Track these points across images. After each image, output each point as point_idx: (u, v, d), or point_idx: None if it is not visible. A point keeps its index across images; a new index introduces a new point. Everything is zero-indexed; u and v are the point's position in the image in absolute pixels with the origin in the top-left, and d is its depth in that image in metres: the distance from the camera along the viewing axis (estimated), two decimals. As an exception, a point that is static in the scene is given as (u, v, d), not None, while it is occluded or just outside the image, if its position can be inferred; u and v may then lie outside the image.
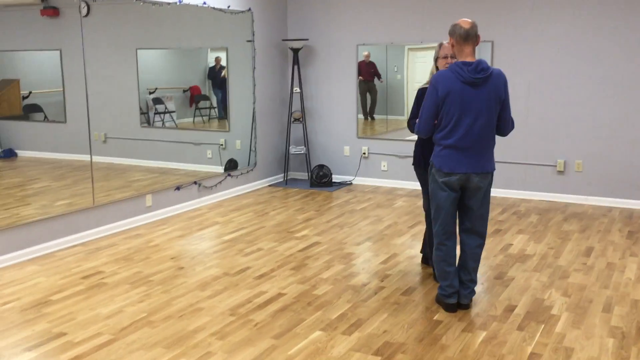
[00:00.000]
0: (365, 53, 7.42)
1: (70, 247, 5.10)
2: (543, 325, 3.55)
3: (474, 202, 3.66)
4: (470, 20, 3.57)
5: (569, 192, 6.58)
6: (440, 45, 4.14)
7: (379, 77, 7.46)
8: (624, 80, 6.20)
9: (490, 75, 3.50)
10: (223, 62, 7.04)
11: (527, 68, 6.58)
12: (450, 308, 3.75)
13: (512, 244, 5.11)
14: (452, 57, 3.93)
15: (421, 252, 4.70)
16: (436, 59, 4.19)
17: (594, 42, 6.26)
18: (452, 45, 3.56)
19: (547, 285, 4.17)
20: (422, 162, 4.22)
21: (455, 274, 3.75)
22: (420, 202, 6.47)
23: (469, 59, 3.52)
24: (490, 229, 5.57)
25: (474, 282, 3.80)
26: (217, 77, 7.08)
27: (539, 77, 6.55)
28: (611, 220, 5.82)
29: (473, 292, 3.81)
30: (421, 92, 4.16)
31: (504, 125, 3.68)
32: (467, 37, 3.50)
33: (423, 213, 4.89)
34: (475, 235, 3.74)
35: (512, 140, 6.72)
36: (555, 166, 6.60)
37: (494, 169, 3.67)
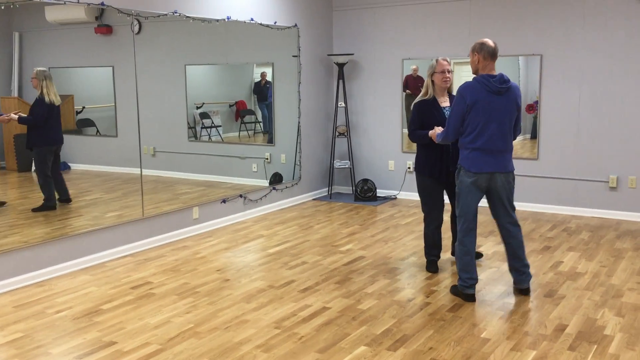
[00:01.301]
0: (414, 67, 7.41)
1: (120, 257, 5.22)
2: (595, 346, 3.44)
3: (504, 198, 4.09)
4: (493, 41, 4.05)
5: (621, 208, 6.38)
6: (436, 61, 4.55)
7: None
8: (680, 93, 6.00)
9: (510, 86, 4.01)
10: (268, 77, 7.13)
11: (578, 82, 6.44)
12: (470, 298, 4.12)
13: (562, 262, 4.98)
14: (449, 71, 4.52)
15: (427, 256, 4.84)
16: (432, 74, 4.57)
17: (648, 54, 6.09)
18: (478, 61, 3.99)
19: (600, 305, 4.04)
20: (426, 170, 4.58)
21: (475, 266, 4.15)
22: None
23: (492, 73, 4.01)
24: (539, 245, 5.44)
25: (528, 265, 4.22)
26: (262, 92, 7.17)
27: (591, 91, 6.40)
28: (667, 239, 5.61)
29: (530, 275, 4.24)
30: (419, 106, 4.61)
31: (517, 130, 4.18)
32: (494, 54, 4.00)
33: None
34: (515, 225, 4.16)
35: (563, 155, 6.57)
36: (608, 182, 6.41)
37: (514, 169, 4.13)
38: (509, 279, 4.56)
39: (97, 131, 5.62)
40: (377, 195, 7.54)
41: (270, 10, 6.78)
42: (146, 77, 5.57)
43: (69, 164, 5.35)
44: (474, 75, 4.08)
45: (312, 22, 7.43)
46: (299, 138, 7.39)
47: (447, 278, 4.61)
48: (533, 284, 4.45)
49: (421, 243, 5.55)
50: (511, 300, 4.16)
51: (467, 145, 4.02)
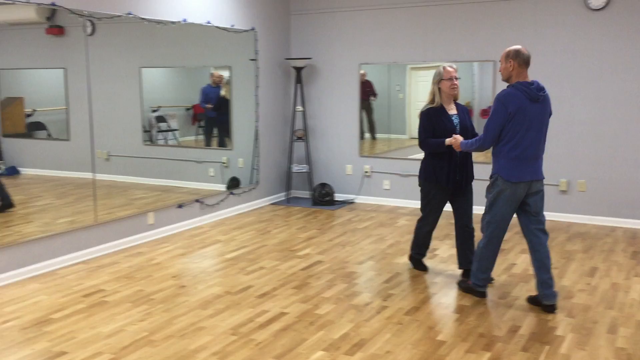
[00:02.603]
0: (362, 72, 7.46)
1: (72, 265, 5.08)
2: (548, 347, 3.52)
3: (538, 205, 4.06)
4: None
5: (572, 211, 6.56)
6: (443, 68, 4.49)
7: (375, 95, 7.53)
8: (628, 99, 6.21)
9: (546, 93, 4.01)
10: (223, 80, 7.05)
11: (529, 87, 6.59)
12: (483, 295, 4.25)
13: (515, 264, 5.08)
14: (457, 78, 4.49)
15: (414, 253, 4.90)
16: (439, 81, 4.51)
17: (598, 61, 6.29)
18: (512, 68, 3.94)
19: (552, 306, 4.13)
20: (433, 178, 4.55)
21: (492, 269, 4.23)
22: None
23: (527, 80, 3.97)
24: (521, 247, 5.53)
25: (553, 279, 4.08)
26: (209, 96, 7.05)
27: (541, 97, 6.55)
28: (615, 240, 5.79)
29: (556, 293, 4.08)
30: (428, 114, 4.52)
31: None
32: (528, 62, 3.98)
33: (443, 228, 5.04)
34: (544, 233, 4.10)
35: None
36: (559, 185, 6.59)
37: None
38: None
39: (49, 135, 5.47)
40: (335, 199, 7.56)
41: (227, 13, 6.73)
42: (100, 80, 5.45)
43: (19, 168, 5.18)
44: (506, 82, 4.03)
45: (270, 25, 7.41)
46: (257, 142, 7.35)
47: (404, 281, 4.64)
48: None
49: (379, 247, 5.59)
50: (467, 302, 4.22)
51: (505, 153, 3.95)
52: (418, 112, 4.64)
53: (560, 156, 6.54)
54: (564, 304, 4.16)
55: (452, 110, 4.57)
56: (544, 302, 4.04)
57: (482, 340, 3.60)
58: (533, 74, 6.50)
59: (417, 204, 7.11)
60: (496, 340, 3.60)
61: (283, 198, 7.82)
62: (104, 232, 5.44)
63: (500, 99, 3.93)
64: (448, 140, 4.39)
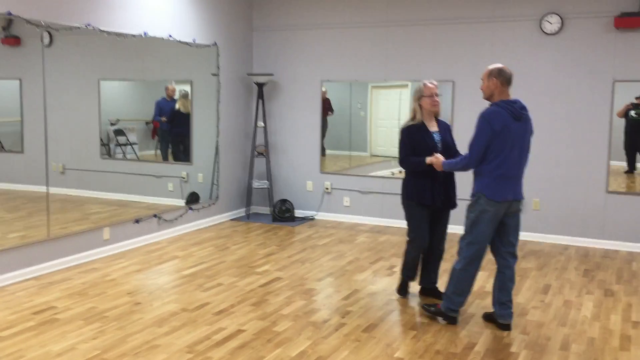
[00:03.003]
0: (322, 90, 7.52)
1: (23, 281, 4.92)
2: (502, 363, 3.56)
3: (514, 226, 4.05)
4: None
5: (526, 230, 6.67)
6: (424, 84, 4.40)
7: (331, 111, 7.60)
8: (578, 121, 6.40)
9: (528, 112, 4.02)
10: (178, 94, 6.96)
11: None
12: (454, 321, 4.12)
13: (472, 281, 5.14)
14: (437, 95, 4.41)
15: (404, 277, 4.69)
16: (419, 98, 4.41)
17: (551, 84, 6.48)
18: (495, 86, 3.94)
19: (507, 323, 4.20)
20: (415, 197, 4.40)
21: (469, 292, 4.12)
22: (382, 238, 6.51)
23: (509, 98, 3.98)
24: (449, 266, 5.59)
25: (512, 302, 4.09)
26: (164, 109, 6.97)
27: (498, 117, 6.70)
28: (568, 258, 5.93)
29: (512, 313, 4.10)
30: (408, 131, 4.43)
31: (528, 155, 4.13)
32: (510, 80, 3.99)
33: (402, 245, 4.80)
34: (514, 256, 4.09)
35: (470, 178, 6.82)
36: (514, 204, 6.72)
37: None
38: (422, 298, 4.66)
39: (2, 146, 5.32)
40: (295, 215, 7.55)
41: (189, 27, 6.70)
42: (57, 91, 5.35)
43: (-31, 180, 5.02)
44: (487, 101, 4.02)
45: (232, 41, 7.40)
46: (217, 157, 7.30)
47: (362, 298, 4.65)
48: (442, 305, 4.56)
49: (338, 263, 5.59)
50: (424, 319, 4.25)
51: (489, 172, 3.90)
52: (398, 130, 4.56)
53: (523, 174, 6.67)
54: (518, 321, 4.23)
55: (434, 127, 4.47)
56: (499, 320, 4.07)
57: (439, 357, 3.62)
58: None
59: (376, 221, 7.19)
60: (452, 357, 3.63)
61: (243, 214, 7.77)
62: (57, 247, 5.30)
63: (486, 117, 3.89)
64: (429, 159, 4.29)
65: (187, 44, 6.65)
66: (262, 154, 7.63)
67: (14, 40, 5.10)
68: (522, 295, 4.80)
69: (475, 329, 4.07)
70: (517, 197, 4.00)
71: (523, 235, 6.62)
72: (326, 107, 7.60)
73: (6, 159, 5.41)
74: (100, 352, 3.60)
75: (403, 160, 4.46)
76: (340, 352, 3.66)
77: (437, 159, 4.25)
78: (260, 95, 7.54)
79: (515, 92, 6.55)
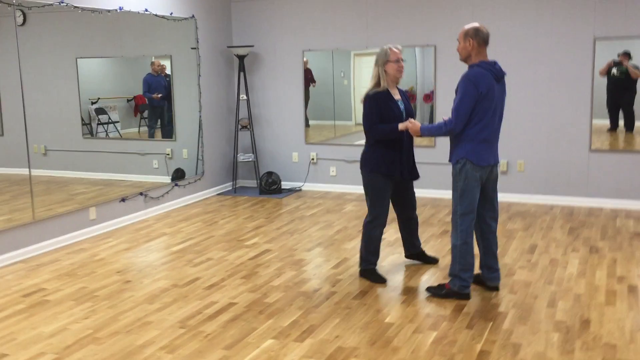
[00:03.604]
0: (304, 59, 7.45)
1: (10, 264, 4.90)
2: (491, 323, 3.62)
3: (494, 190, 3.99)
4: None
5: (512, 191, 6.75)
6: (389, 49, 4.17)
7: (314, 82, 7.53)
8: (560, 80, 6.41)
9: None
10: (167, 70, 6.92)
11: (469, 71, 6.72)
12: (468, 296, 3.97)
13: (459, 244, 5.19)
14: (404, 60, 4.19)
15: (367, 265, 4.41)
16: (385, 63, 4.16)
17: (533, 44, 6.46)
18: (472, 47, 3.78)
19: (494, 284, 4.26)
20: (383, 168, 4.19)
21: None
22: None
23: (486, 59, 3.82)
24: (438, 230, 5.66)
25: (498, 263, 4.12)
26: (154, 85, 6.91)
27: (481, 80, 6.70)
28: (553, 218, 6.00)
29: (499, 275, 4.14)
30: (375, 98, 4.15)
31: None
32: (487, 40, 3.82)
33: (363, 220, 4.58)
34: (495, 221, 4.07)
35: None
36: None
37: None
38: (410, 263, 4.71)
39: (-20, 130, 5.24)
40: (282, 187, 7.54)
41: (165, 0, 6.57)
42: (33, 72, 5.25)
43: (-51, 165, 4.95)
44: (464, 62, 3.87)
45: (210, 13, 7.29)
46: (201, 132, 7.24)
47: (352, 266, 4.68)
48: (433, 267, 4.62)
49: (327, 233, 5.61)
50: (413, 284, 4.29)
51: (473, 136, 3.76)
52: (361, 96, 4.30)
53: (500, 138, 6.69)
54: (505, 281, 4.29)
55: (397, 95, 4.26)
56: (488, 283, 4.12)
57: (429, 320, 3.68)
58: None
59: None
60: (442, 320, 3.68)
61: (229, 188, 7.75)
62: (44, 229, 5.27)
63: (471, 78, 3.72)
64: (403, 125, 4.08)
65: (164, 17, 6.53)
66: (245, 127, 7.58)
67: (-14, 21, 4.98)
68: (508, 255, 4.86)
69: (463, 291, 4.12)
70: (497, 161, 3.96)
71: (508, 197, 6.72)
72: (308, 77, 7.54)
73: (-14, 143, 5.33)
74: (92, 331, 3.62)
75: (372, 129, 4.17)
76: (332, 320, 3.70)
77: (413, 124, 4.03)
78: (242, 68, 7.46)
79: (496, 53, 6.56)
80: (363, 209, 6.48)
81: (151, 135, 7.02)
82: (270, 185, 7.43)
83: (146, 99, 6.84)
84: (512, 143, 6.68)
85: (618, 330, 3.48)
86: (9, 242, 4.96)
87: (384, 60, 4.17)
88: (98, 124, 6.28)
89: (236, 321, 3.72)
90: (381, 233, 4.37)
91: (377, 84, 4.20)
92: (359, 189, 7.29)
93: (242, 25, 7.66)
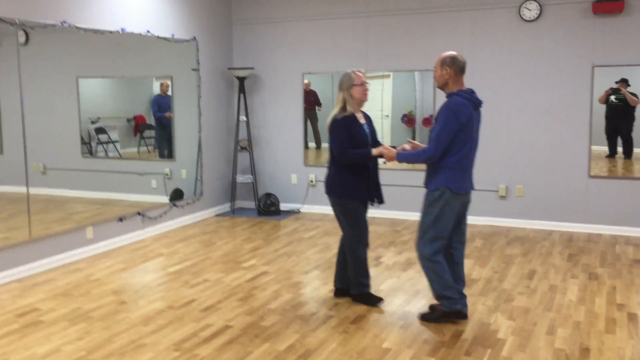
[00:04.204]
0: (306, 82, 7.48)
1: (5, 283, 4.86)
2: (490, 350, 3.58)
3: (464, 215, 4.02)
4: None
5: (511, 216, 6.74)
6: (353, 73, 4.17)
7: (319, 105, 7.55)
8: (559, 107, 6.44)
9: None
10: (169, 91, 6.95)
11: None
12: (461, 315, 3.98)
13: (458, 269, 5.16)
14: (367, 83, 4.19)
15: (361, 289, 4.33)
16: (350, 87, 4.13)
17: (531, 70, 6.50)
18: (449, 75, 3.83)
19: (493, 309, 4.22)
20: (354, 194, 4.14)
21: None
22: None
23: (463, 88, 3.88)
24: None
25: (464, 287, 4.12)
26: (165, 103, 6.94)
27: (480, 105, 6.73)
28: (552, 244, 5.98)
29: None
30: (344, 122, 4.10)
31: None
32: (464, 68, 3.89)
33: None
34: (463, 245, 4.09)
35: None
36: (498, 191, 6.76)
37: None
38: (408, 287, 4.68)
39: (-20, 148, 5.23)
40: (281, 209, 7.52)
41: (167, 22, 6.63)
42: (35, 90, 5.26)
43: (-53, 183, 4.94)
44: (441, 90, 3.92)
45: (212, 35, 7.34)
46: (200, 153, 7.25)
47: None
48: (430, 292, 4.57)
49: (324, 256, 5.58)
50: (411, 309, 4.26)
51: (452, 165, 3.79)
52: (327, 122, 4.20)
53: (498, 163, 6.71)
54: (504, 307, 4.25)
55: (362, 120, 4.24)
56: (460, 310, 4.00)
57: (427, 346, 3.64)
58: (471, 84, 6.69)
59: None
60: (441, 346, 3.64)
61: (228, 209, 7.73)
62: (40, 248, 5.23)
63: (452, 108, 3.74)
64: (377, 151, 4.07)
65: (165, 39, 6.58)
66: (245, 148, 7.59)
67: (-11, 40, 5.01)
68: (507, 281, 4.83)
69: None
70: (473, 187, 3.98)
71: (507, 222, 6.70)
72: (312, 99, 7.55)
73: (-15, 161, 5.33)
74: (85, 353, 3.57)
75: (343, 153, 4.09)
76: (329, 345, 3.66)
77: (388, 150, 4.02)
78: (242, 90, 7.49)
79: (495, 80, 6.62)
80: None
81: (162, 155, 7.03)
82: (268, 207, 7.41)
83: (155, 118, 6.87)
84: (511, 168, 6.69)
85: (618, 359, 3.44)
86: (4, 261, 4.92)
87: (349, 85, 4.15)
88: (98, 144, 6.28)
89: (232, 344, 3.67)
90: (366, 253, 4.30)
91: (343, 108, 4.17)
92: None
93: (242, 47, 7.71)
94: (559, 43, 6.37)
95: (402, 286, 4.72)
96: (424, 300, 4.42)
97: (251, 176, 7.61)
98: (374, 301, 4.31)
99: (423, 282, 4.80)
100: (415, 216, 6.72)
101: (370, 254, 5.60)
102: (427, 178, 3.93)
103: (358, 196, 4.18)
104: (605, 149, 6.53)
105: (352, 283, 4.36)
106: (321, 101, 7.60)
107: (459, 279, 4.02)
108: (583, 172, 6.42)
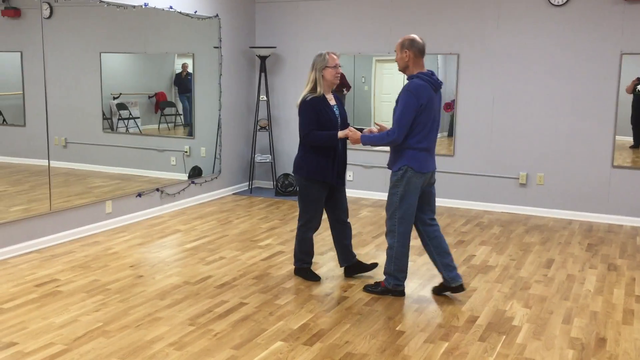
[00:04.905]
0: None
1: (25, 254, 4.93)
2: (504, 337, 3.56)
3: (433, 194, 4.15)
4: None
5: (530, 204, 6.66)
6: (327, 54, 4.19)
7: (348, 88, 7.48)
8: (585, 95, 6.32)
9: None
10: (190, 69, 6.95)
11: (491, 81, 6.67)
12: (403, 293, 4.15)
13: (474, 255, 5.13)
14: (340, 66, 4.24)
15: (301, 264, 4.47)
16: (323, 68, 4.16)
17: (557, 57, 6.38)
18: (408, 58, 3.91)
19: (509, 297, 4.19)
20: (318, 175, 4.19)
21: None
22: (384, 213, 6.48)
23: (423, 70, 3.95)
24: (453, 239, 5.60)
25: (453, 261, 4.17)
26: (183, 84, 6.98)
27: (503, 91, 6.64)
28: (571, 233, 5.91)
29: (459, 274, 4.19)
30: (313, 104, 4.14)
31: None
32: (424, 51, 3.95)
33: (343, 224, 4.48)
34: (436, 222, 4.18)
35: (477, 153, 6.79)
36: (518, 179, 6.68)
37: None
38: (424, 272, 4.66)
39: (4, 120, 5.29)
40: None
41: (190, -1, 6.61)
42: (58, 64, 5.30)
43: (-29, 154, 5.01)
44: (403, 73, 3.99)
45: (234, 13, 7.31)
46: (220, 131, 7.26)
47: (364, 272, 4.64)
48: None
49: (340, 238, 5.57)
50: (426, 293, 4.24)
51: (414, 145, 3.89)
52: (296, 102, 4.29)
53: (519, 150, 6.63)
54: (520, 295, 4.22)
55: (332, 101, 4.27)
56: (452, 285, 4.10)
57: (441, 330, 3.62)
58: (495, 69, 6.62)
59: (379, 195, 7.16)
60: (454, 331, 3.63)
61: (245, 188, 7.75)
62: (60, 220, 5.30)
63: (412, 90, 3.83)
64: (342, 133, 4.12)
65: (188, 15, 6.56)
66: (264, 127, 7.58)
67: (14, 12, 5.04)
68: (524, 269, 4.78)
69: (477, 303, 4.06)
70: (435, 167, 4.08)
71: (527, 210, 6.64)
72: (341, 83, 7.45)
73: (8, 133, 5.39)
74: (102, 324, 3.62)
75: (308, 135, 4.15)
76: (342, 325, 3.66)
77: (353, 132, 4.09)
78: (263, 69, 7.47)
79: (519, 65, 6.51)
80: (378, 215, 6.44)
81: (190, 133, 7.07)
82: (286, 187, 7.41)
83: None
84: (532, 156, 6.60)
85: (635, 350, 3.41)
86: (25, 232, 5.00)
87: (322, 66, 4.17)
88: (119, 119, 6.32)
89: (246, 321, 3.70)
90: (312, 236, 4.43)
91: (313, 89, 4.20)
92: (376, 195, 7.28)
93: (265, 26, 7.67)
94: (587, 28, 6.24)
95: (418, 270, 4.71)
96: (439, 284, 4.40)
97: (270, 156, 7.61)
98: (312, 277, 4.43)
99: (439, 267, 4.79)
100: (441, 202, 6.71)
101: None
102: (391, 159, 4.05)
103: (324, 177, 4.22)
104: (629, 139, 6.41)
105: (295, 257, 4.50)
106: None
107: (444, 252, 4.11)
108: (606, 162, 6.32)
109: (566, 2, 6.26)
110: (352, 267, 4.54)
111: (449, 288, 4.14)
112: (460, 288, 4.11)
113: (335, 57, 4.20)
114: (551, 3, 6.32)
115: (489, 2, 6.58)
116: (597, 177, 6.36)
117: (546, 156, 6.54)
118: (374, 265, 4.62)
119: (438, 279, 4.50)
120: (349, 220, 4.53)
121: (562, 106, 6.43)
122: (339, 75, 4.24)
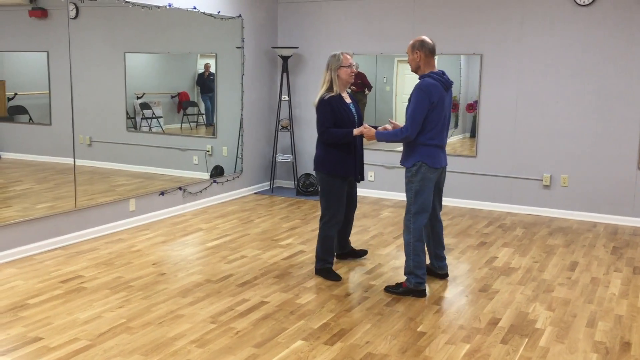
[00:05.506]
0: (355, 63, 7.40)
1: (50, 250, 5.01)
2: (527, 339, 3.53)
3: (441, 188, 4.35)
4: None
5: (554, 206, 6.59)
6: (342, 54, 4.33)
7: (369, 88, 7.46)
8: (610, 96, 6.23)
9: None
10: (212, 69, 7.00)
11: (515, 82, 6.61)
12: (424, 294, 4.17)
13: (497, 257, 5.09)
14: (355, 66, 4.40)
15: (323, 264, 4.49)
16: (337, 68, 4.31)
17: (582, 57, 6.30)
18: (420, 58, 4.05)
19: (532, 299, 4.15)
20: (340, 170, 4.34)
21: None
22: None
23: (434, 69, 4.09)
24: (475, 241, 5.56)
25: (444, 253, 4.52)
26: (206, 84, 7.04)
27: (527, 92, 6.57)
28: (596, 236, 5.83)
29: (447, 264, 4.56)
30: (330, 103, 4.28)
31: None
32: (434, 51, 4.09)
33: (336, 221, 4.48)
34: (440, 213, 4.43)
35: (500, 154, 6.73)
36: (542, 180, 6.61)
37: None
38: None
39: (30, 119, 5.38)
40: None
41: (213, -1, 6.66)
42: (83, 64, 5.37)
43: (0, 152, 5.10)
44: (415, 73, 4.14)
45: (257, 13, 7.34)
46: (242, 131, 7.29)
47: (386, 272, 4.64)
48: (468, 278, 4.54)
49: (362, 238, 5.58)
50: (448, 294, 4.22)
51: (426, 142, 4.04)
52: (314, 101, 4.42)
53: (543, 151, 6.56)
54: (544, 297, 4.18)
55: (348, 100, 4.44)
56: (438, 272, 4.46)
57: (462, 332, 3.60)
58: (518, 70, 6.56)
59: (401, 196, 7.13)
60: (476, 332, 3.60)
61: (267, 188, 7.78)
62: (84, 218, 5.37)
63: (423, 89, 3.96)
64: (358, 130, 4.25)
65: (211, 15, 6.61)
66: (286, 127, 7.60)
67: (41, 13, 5.12)
68: (548, 271, 4.73)
69: (499, 305, 4.03)
70: (446, 163, 4.25)
71: (550, 212, 6.56)
72: (359, 82, 7.48)
73: (35, 131, 5.48)
74: (125, 320, 3.66)
75: (325, 133, 4.29)
76: (363, 326, 3.66)
77: (368, 130, 4.24)
78: (285, 69, 7.49)
79: (543, 66, 6.44)
80: (399, 216, 6.42)
81: (213, 133, 7.15)
82: (307, 187, 7.43)
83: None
84: (555, 157, 6.53)
85: (660, 355, 3.35)
86: (50, 229, 5.08)
87: (336, 66, 4.32)
88: (142, 119, 6.39)
89: (267, 320, 3.71)
90: (336, 232, 4.53)
91: (330, 88, 4.35)
92: (397, 195, 7.26)
93: (287, 26, 7.69)
94: (613, 28, 6.15)
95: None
96: (460, 286, 4.38)
97: (291, 156, 7.63)
98: (334, 277, 4.45)
99: (460, 268, 4.76)
100: (463, 203, 6.69)
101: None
102: (404, 156, 4.18)
103: (346, 172, 4.37)
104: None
105: (317, 257, 4.52)
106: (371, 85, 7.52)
107: (439, 244, 4.42)
108: (632, 164, 6.22)
109: (592, 1, 6.18)
110: (345, 253, 4.88)
111: (434, 273, 4.47)
112: (444, 275, 4.47)
113: (349, 56, 4.34)
114: (577, 3, 6.24)
115: (512, 1, 6.52)
116: (623, 179, 6.27)
117: (570, 157, 6.46)
118: (364, 252, 4.98)
119: (460, 280, 4.49)
120: (353, 216, 4.80)
121: (586, 107, 6.34)
122: (354, 74, 4.38)
